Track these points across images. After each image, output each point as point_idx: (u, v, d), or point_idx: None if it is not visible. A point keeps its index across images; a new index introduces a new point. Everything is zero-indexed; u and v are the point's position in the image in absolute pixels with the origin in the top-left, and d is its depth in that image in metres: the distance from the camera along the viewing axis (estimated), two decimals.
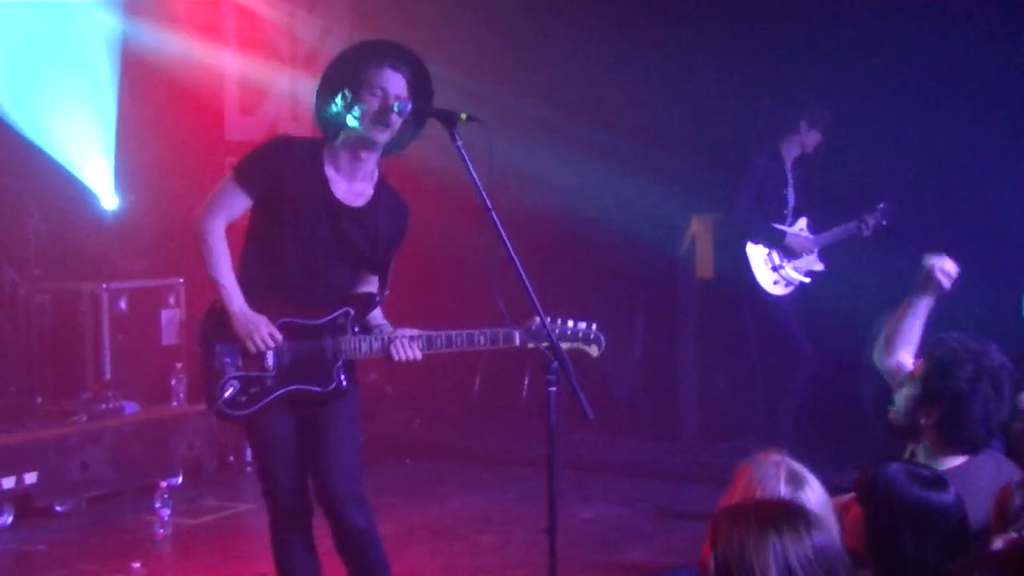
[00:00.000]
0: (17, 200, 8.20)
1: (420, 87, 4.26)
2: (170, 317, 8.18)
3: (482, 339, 4.23)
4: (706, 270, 8.67)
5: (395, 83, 4.18)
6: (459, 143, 4.06)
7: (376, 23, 9.16)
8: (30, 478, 6.99)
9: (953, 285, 3.96)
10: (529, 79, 9.24)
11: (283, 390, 4.26)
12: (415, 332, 4.24)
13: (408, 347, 4.22)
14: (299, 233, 4.25)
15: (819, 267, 7.50)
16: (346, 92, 4.20)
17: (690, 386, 9.07)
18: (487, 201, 4.04)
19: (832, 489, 2.98)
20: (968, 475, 3.40)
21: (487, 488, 7.72)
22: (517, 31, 9.36)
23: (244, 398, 4.24)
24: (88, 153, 8.65)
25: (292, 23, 9.96)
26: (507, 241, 4.00)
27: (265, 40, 9.78)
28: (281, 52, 9.90)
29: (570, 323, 4.29)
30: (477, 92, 8.17)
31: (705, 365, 9.11)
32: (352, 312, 4.30)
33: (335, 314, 4.28)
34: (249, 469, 8.04)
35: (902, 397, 3.66)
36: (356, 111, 4.16)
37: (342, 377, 4.27)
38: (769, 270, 7.35)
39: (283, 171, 4.23)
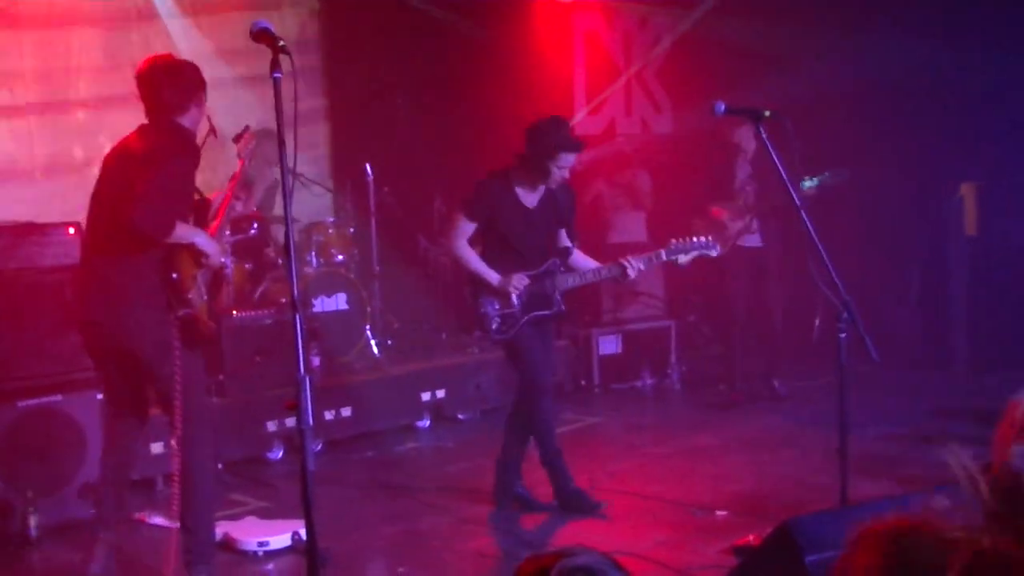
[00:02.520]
0: (424, 184, 9.50)
1: None
2: None
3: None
4: (972, 228, 9.36)
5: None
6: (764, 136, 4.73)
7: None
8: (440, 393, 8.42)
9: None
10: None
11: (527, 317, 6.07)
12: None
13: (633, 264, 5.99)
14: (512, 232, 6.11)
15: None
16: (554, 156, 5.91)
17: (960, 324, 9.46)
18: (796, 195, 4.67)
19: None
20: None
21: (789, 410, 8.28)
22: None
23: (505, 327, 6.06)
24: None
25: (627, 40, 10.93)
26: (812, 231, 4.59)
27: (606, 54, 10.80)
28: (618, 63, 10.87)
29: (694, 239, 5.88)
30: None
31: (976, 307, 9.40)
32: (557, 260, 6.17)
33: (547, 264, 6.14)
34: (597, 390, 9.24)
35: None
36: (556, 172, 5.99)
37: (560, 302, 6.13)
38: None
39: (493, 203, 6.12)
